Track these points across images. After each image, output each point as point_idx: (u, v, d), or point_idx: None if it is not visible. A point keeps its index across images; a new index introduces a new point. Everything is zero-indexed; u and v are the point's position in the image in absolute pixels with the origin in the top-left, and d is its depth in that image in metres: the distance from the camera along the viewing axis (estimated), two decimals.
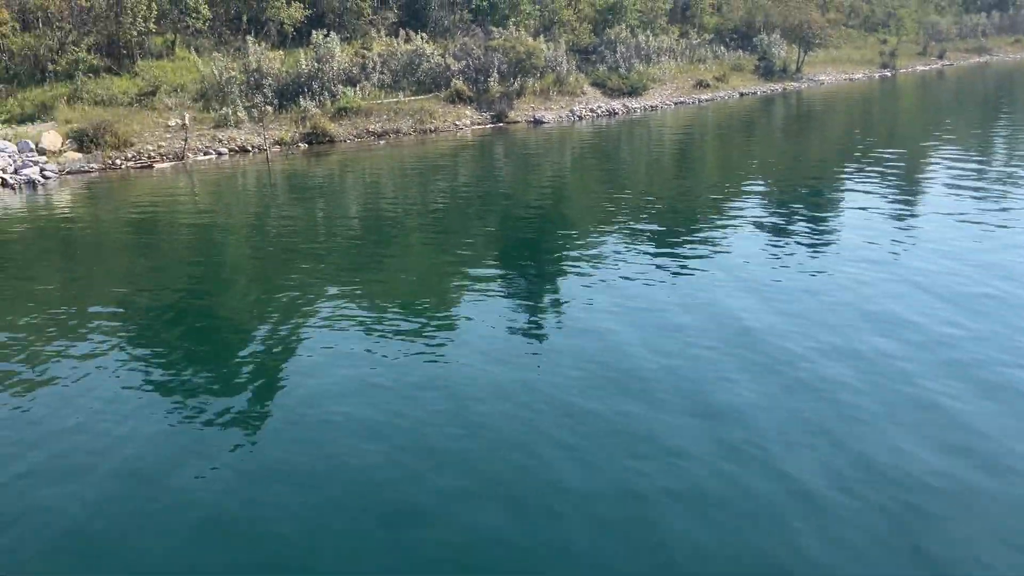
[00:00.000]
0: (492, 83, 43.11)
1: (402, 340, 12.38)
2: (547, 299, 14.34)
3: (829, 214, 20.04)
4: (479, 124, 41.21)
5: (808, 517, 7.60)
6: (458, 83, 42.22)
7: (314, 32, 39.68)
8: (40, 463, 9.17)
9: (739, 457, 8.62)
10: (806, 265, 15.28)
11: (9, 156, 29.01)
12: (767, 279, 14.53)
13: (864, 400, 9.81)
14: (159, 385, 11.12)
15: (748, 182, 24.49)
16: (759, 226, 18.60)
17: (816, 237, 17.39)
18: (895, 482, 8.11)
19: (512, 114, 42.59)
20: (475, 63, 43.39)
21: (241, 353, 12.34)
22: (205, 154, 33.07)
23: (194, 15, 38.89)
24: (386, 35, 44.53)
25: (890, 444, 8.81)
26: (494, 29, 46.17)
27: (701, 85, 53.53)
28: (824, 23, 63.60)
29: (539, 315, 13.47)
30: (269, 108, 36.29)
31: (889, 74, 70.61)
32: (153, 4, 36.65)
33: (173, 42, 39.53)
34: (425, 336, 12.52)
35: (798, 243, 16.88)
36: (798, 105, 50.10)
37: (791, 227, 18.44)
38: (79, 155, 30.79)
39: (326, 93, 38.27)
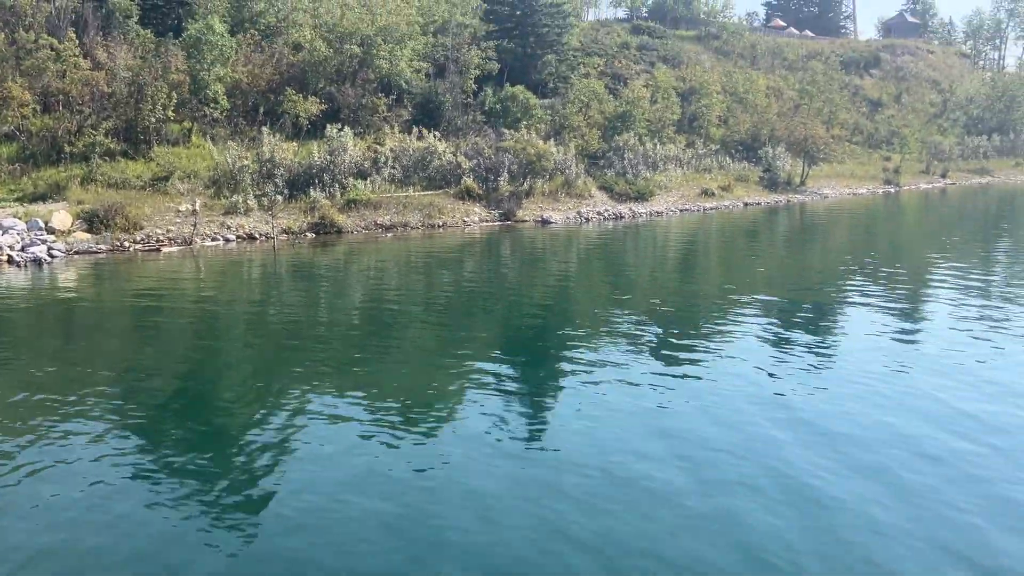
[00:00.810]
0: (502, 182, 43.75)
1: (404, 431, 12.13)
2: (547, 396, 14.08)
3: (832, 323, 19.87)
4: (487, 221, 41.61)
5: None
6: (468, 181, 42.84)
7: (329, 126, 40.51)
8: (39, 547, 8.83)
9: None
10: (809, 374, 15.06)
11: (17, 233, 29.20)
12: (771, 384, 14.28)
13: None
14: (157, 470, 10.84)
15: (752, 290, 24.38)
16: (764, 332, 18.40)
17: (819, 345, 17.20)
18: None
19: (520, 213, 43.03)
20: (486, 162, 44.12)
21: (240, 440, 12.04)
22: (213, 240, 33.28)
23: (212, 105, 39.84)
24: (399, 131, 45.45)
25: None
26: (506, 131, 47.16)
27: (706, 194, 54.26)
28: (828, 138, 64.84)
29: (538, 412, 13.20)
30: (279, 197, 36.71)
31: (893, 190, 71.61)
32: (173, 93, 37.57)
33: (190, 130, 40.36)
34: (427, 429, 12.27)
35: (801, 352, 16.63)
36: (802, 216, 50.58)
37: (793, 336, 18.21)
38: (88, 236, 30.97)
39: (337, 185, 38.78)
